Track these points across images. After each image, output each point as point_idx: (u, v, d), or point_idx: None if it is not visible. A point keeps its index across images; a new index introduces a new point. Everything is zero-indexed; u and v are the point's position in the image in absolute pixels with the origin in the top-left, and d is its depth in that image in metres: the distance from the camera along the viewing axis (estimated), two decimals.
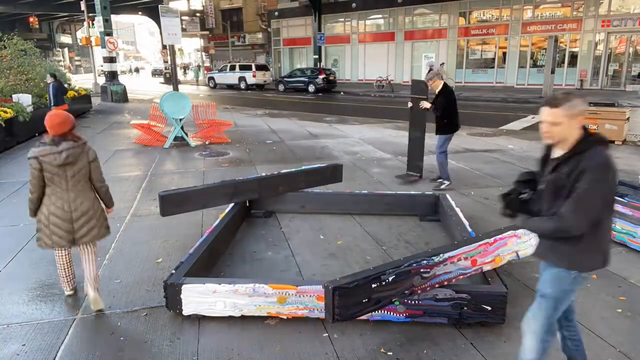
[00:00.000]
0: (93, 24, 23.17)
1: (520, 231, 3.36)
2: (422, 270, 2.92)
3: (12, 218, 5.40)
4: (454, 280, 3.10)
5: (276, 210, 5.52)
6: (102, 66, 21.08)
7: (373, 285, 2.75)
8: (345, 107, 18.14)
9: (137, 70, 62.40)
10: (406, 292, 2.90)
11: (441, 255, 3.02)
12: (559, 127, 2.10)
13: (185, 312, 3.21)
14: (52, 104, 10.99)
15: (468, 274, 3.18)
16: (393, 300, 2.89)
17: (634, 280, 3.80)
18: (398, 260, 3.00)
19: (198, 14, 42.44)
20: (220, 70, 30.47)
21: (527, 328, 2.37)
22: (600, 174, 2.04)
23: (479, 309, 3.06)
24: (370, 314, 2.97)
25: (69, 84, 15.90)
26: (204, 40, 43.07)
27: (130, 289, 3.69)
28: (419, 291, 2.97)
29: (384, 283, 2.78)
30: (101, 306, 3.34)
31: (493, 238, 3.26)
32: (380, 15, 30.66)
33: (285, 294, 3.10)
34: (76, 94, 14.99)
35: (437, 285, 3.03)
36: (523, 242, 3.40)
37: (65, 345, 2.98)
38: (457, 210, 4.77)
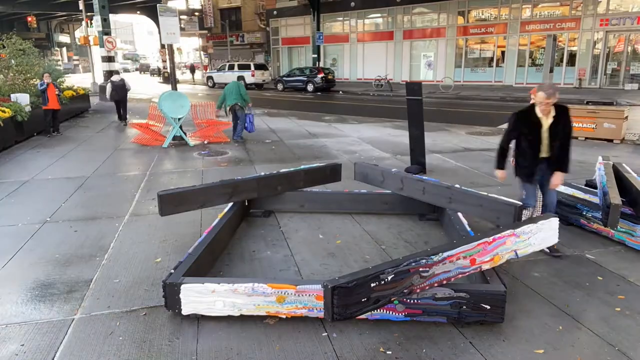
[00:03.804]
0: (91, 23, 23.10)
1: (518, 230, 3.37)
2: (421, 269, 2.92)
3: (11, 218, 5.38)
4: (452, 279, 3.10)
5: (275, 209, 5.52)
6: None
7: (372, 285, 2.75)
8: (344, 107, 18.14)
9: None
10: (405, 291, 2.90)
11: (440, 254, 3.02)
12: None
13: (184, 311, 3.21)
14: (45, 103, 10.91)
15: (467, 273, 3.18)
16: (392, 299, 2.89)
17: (632, 279, 3.81)
18: (397, 259, 3.00)
19: (197, 13, 42.43)
20: (219, 70, 30.41)
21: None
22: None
23: (478, 308, 3.07)
24: (369, 313, 2.97)
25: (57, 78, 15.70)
26: (203, 40, 43.06)
27: (129, 289, 3.69)
28: (418, 290, 2.97)
29: (383, 282, 2.78)
30: None
31: (492, 237, 3.26)
32: (379, 15, 30.67)
33: (285, 294, 3.09)
34: (74, 93, 14.95)
35: (436, 284, 3.03)
36: (522, 241, 3.40)
37: (64, 345, 2.98)
38: None
